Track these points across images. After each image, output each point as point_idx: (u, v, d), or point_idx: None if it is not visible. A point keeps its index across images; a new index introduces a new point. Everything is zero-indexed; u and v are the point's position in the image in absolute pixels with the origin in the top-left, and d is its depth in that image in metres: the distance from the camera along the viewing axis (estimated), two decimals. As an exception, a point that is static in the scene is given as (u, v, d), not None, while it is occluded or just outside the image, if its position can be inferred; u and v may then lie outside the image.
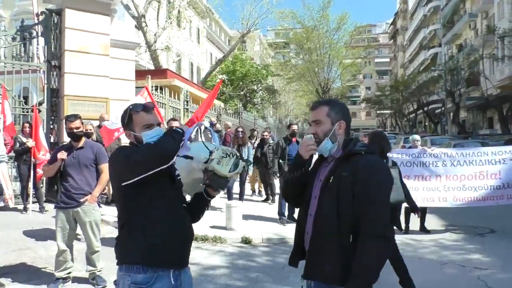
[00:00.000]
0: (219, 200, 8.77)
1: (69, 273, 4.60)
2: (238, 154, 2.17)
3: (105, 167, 4.57)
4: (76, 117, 4.55)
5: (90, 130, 6.37)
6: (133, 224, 2.16)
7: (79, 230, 4.92)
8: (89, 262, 4.67)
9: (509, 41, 24.96)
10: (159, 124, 2.25)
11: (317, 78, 36.14)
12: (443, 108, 39.57)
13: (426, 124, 50.69)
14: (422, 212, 7.18)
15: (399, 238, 5.33)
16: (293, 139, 7.89)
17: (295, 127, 8.11)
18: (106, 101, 9.06)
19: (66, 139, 4.67)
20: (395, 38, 74.23)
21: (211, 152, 2.20)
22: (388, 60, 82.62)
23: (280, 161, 7.78)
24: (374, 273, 1.95)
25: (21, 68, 8.75)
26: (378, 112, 66.72)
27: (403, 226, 7.02)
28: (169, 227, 2.15)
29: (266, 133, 10.05)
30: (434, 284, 4.86)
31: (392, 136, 31.32)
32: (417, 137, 7.97)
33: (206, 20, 38.55)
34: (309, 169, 2.34)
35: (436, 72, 38.53)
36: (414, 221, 7.19)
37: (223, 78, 25.85)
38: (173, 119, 6.16)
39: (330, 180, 2.09)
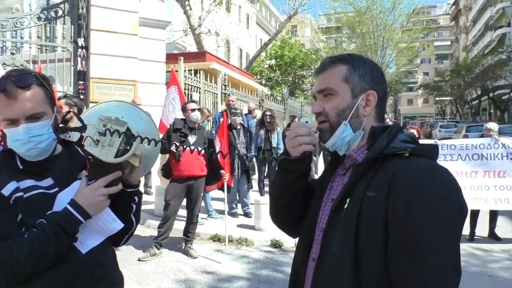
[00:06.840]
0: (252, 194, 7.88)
1: None
2: (128, 128, 1.27)
3: None
4: None
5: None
6: None
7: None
8: None
9: None
10: (37, 117, 1.25)
11: (370, 62, 34.22)
12: (511, 94, 36.17)
13: (491, 111, 46.99)
14: (492, 214, 6.05)
15: (461, 248, 4.23)
16: None
17: None
18: (133, 84, 8.44)
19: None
20: (457, 19, 69.18)
21: (84, 128, 1.32)
22: (449, 43, 77.29)
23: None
24: None
25: (47, 50, 8.35)
26: (436, 99, 63.10)
27: (466, 231, 5.82)
28: None
29: (297, 119, 9.08)
30: (512, 317, 3.73)
31: (452, 124, 29.41)
32: (493, 125, 6.37)
33: (255, 5, 37.55)
34: (312, 177, 1.35)
35: (504, 55, 35.21)
36: (482, 225, 5.99)
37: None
38: (192, 101, 5.31)
39: (346, 204, 1.08)
